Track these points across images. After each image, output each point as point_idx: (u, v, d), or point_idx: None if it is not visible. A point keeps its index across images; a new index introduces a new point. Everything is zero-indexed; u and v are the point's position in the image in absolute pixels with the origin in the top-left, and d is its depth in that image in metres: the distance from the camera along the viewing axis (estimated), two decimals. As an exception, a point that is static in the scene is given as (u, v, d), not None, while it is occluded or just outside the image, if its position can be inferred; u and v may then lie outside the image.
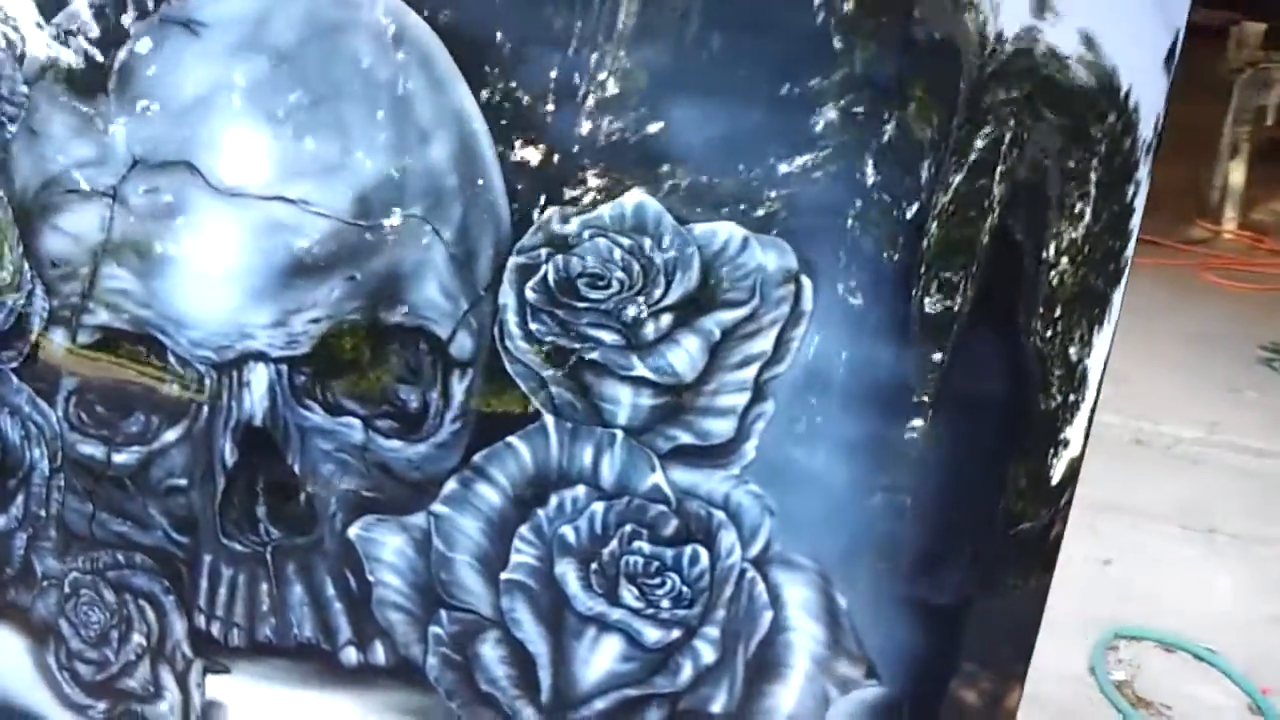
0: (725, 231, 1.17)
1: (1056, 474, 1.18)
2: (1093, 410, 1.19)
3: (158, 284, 1.31)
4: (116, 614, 1.40)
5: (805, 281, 1.16)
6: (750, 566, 1.21)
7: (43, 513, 1.41)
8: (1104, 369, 1.18)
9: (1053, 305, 1.15)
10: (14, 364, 1.39)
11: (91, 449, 1.37)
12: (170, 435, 1.33)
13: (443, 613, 1.28)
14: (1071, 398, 1.17)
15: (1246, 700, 2.53)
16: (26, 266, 1.37)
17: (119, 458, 1.36)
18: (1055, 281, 1.14)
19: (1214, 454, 3.68)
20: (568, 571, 1.24)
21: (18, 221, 1.36)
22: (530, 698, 1.28)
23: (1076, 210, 1.13)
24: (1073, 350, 1.16)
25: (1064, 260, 1.14)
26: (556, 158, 1.18)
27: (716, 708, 1.24)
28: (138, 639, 1.40)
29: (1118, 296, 1.16)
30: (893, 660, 1.21)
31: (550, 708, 1.27)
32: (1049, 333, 1.15)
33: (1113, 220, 1.14)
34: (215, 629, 1.36)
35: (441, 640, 1.28)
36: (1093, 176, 1.13)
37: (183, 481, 1.34)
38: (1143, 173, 1.13)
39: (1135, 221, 1.14)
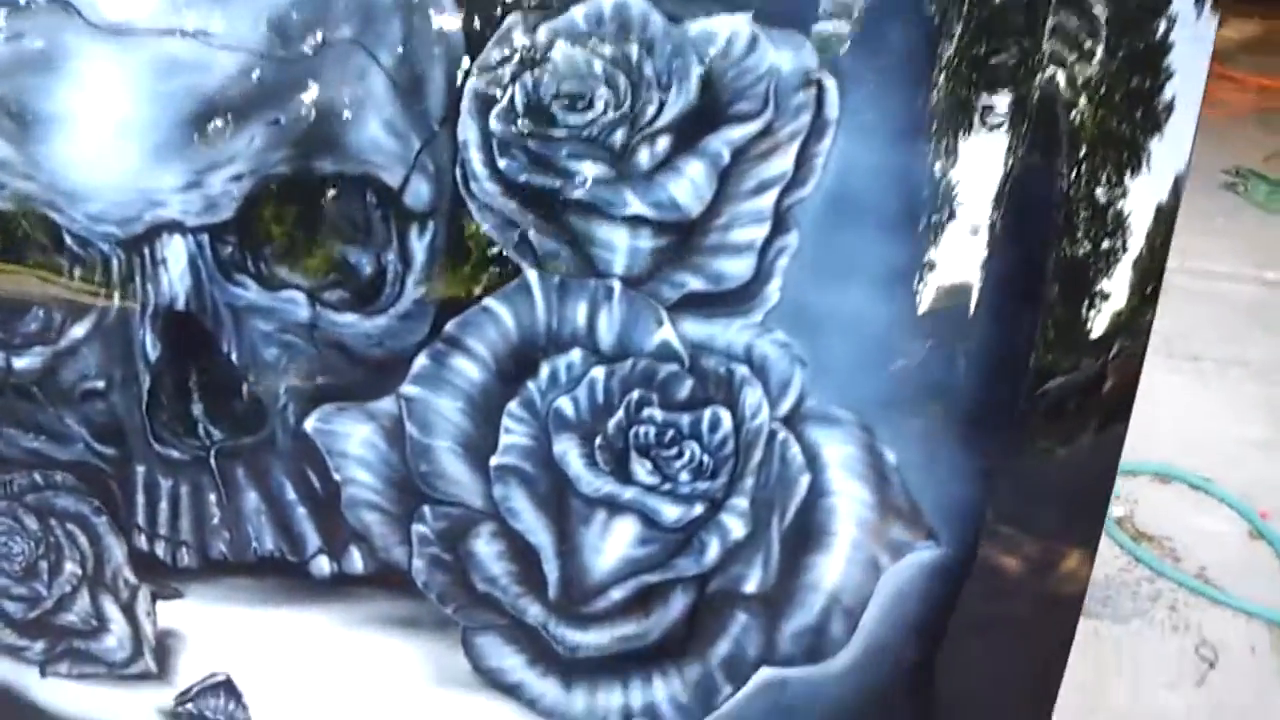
0: (728, 28, 0.97)
1: (1097, 327, 1.03)
2: (1149, 265, 1.02)
3: (40, 150, 1.06)
4: (42, 542, 1.20)
5: (828, 83, 0.97)
6: (781, 426, 1.05)
7: (-60, 437, 1.20)
8: (1165, 226, 1.01)
9: (1076, 144, 0.98)
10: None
11: (-15, 355, 1.15)
12: (78, 331, 1.11)
13: (426, 509, 1.10)
14: (1105, 245, 1.00)
15: (1246, 526, 2.49)
16: None
17: (19, 362, 1.14)
18: (1075, 120, 0.97)
19: (1188, 282, 3.61)
20: (568, 450, 1.07)
21: None
22: (536, 594, 1.12)
23: (1086, 47, 0.95)
24: (1100, 193, 0.99)
25: (1081, 99, 0.96)
26: (515, -53, 0.96)
27: (750, 587, 1.09)
28: (71, 568, 1.21)
29: (1157, 144, 0.98)
30: (950, 519, 1.06)
31: (559, 603, 1.12)
32: (1073, 174, 0.98)
33: (1134, 58, 0.96)
34: (160, 550, 1.17)
35: (427, 540, 1.11)
36: (1098, 11, 0.94)
37: (100, 384, 1.13)
38: (1180, 7, 0.94)
39: (1173, 60, 0.96)
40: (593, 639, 1.13)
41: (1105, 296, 1.04)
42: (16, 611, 1.25)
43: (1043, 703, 1.14)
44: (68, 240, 1.09)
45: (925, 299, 1.01)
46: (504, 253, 1.03)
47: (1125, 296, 1.03)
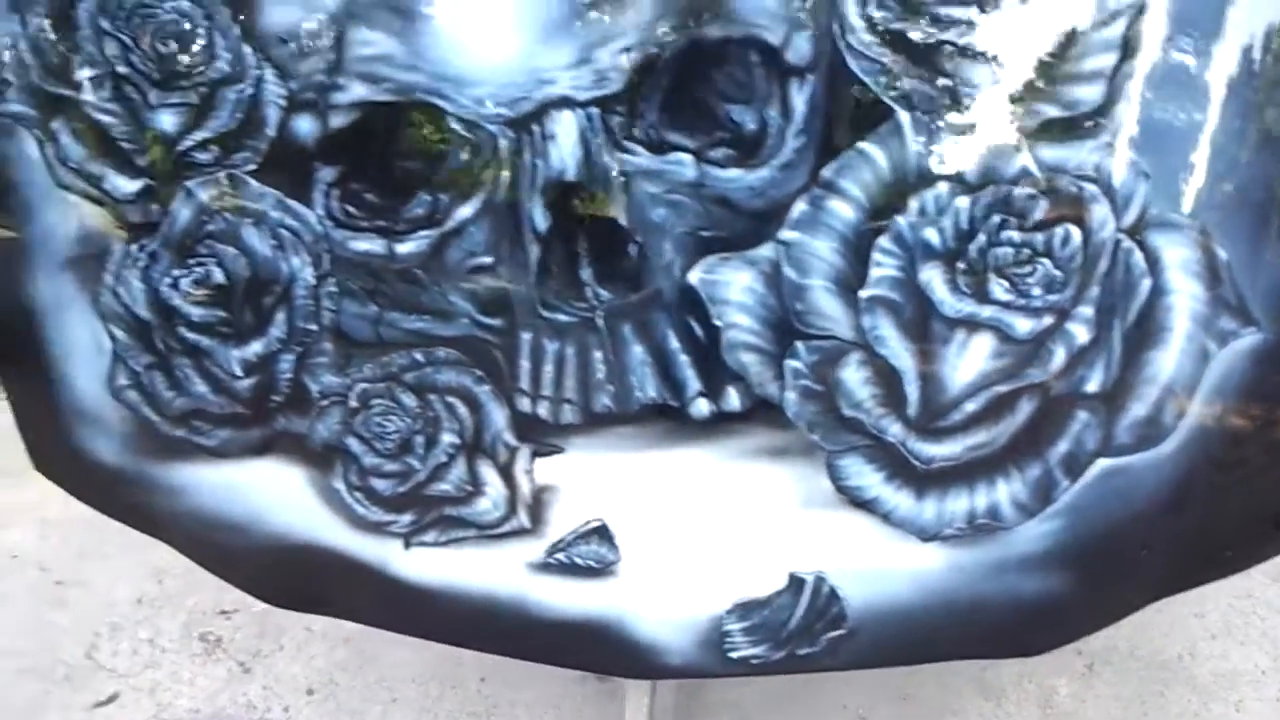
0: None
1: None
2: None
3: (425, 41, 1.15)
4: (420, 418, 1.30)
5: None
6: (1124, 236, 1.17)
7: (313, 327, 1.29)
8: None
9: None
10: (251, 166, 1.23)
11: (368, 244, 1.23)
12: (465, 211, 1.20)
13: (799, 344, 1.22)
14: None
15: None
16: (247, 49, 1.19)
17: (404, 247, 1.23)
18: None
19: None
20: (933, 276, 1.18)
21: (226, -2, 1.17)
22: (897, 413, 1.24)
23: None
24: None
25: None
26: None
27: (1092, 387, 1.23)
28: (448, 439, 1.31)
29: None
30: (1270, 307, 1.20)
31: (919, 419, 1.24)
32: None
33: None
34: (543, 410, 1.28)
35: (800, 373, 1.23)
36: None
37: (487, 259, 1.22)
38: None
39: None
40: (946, 450, 1.26)
41: None
42: (386, 488, 1.36)
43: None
44: (454, 125, 1.18)
45: (1260, 100, 1.13)
46: (877, 98, 1.13)
47: None
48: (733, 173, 1.16)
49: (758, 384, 1.24)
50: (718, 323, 1.21)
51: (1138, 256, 1.18)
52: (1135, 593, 1.36)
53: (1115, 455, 1.26)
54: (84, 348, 1.35)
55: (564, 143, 1.16)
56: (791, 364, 1.23)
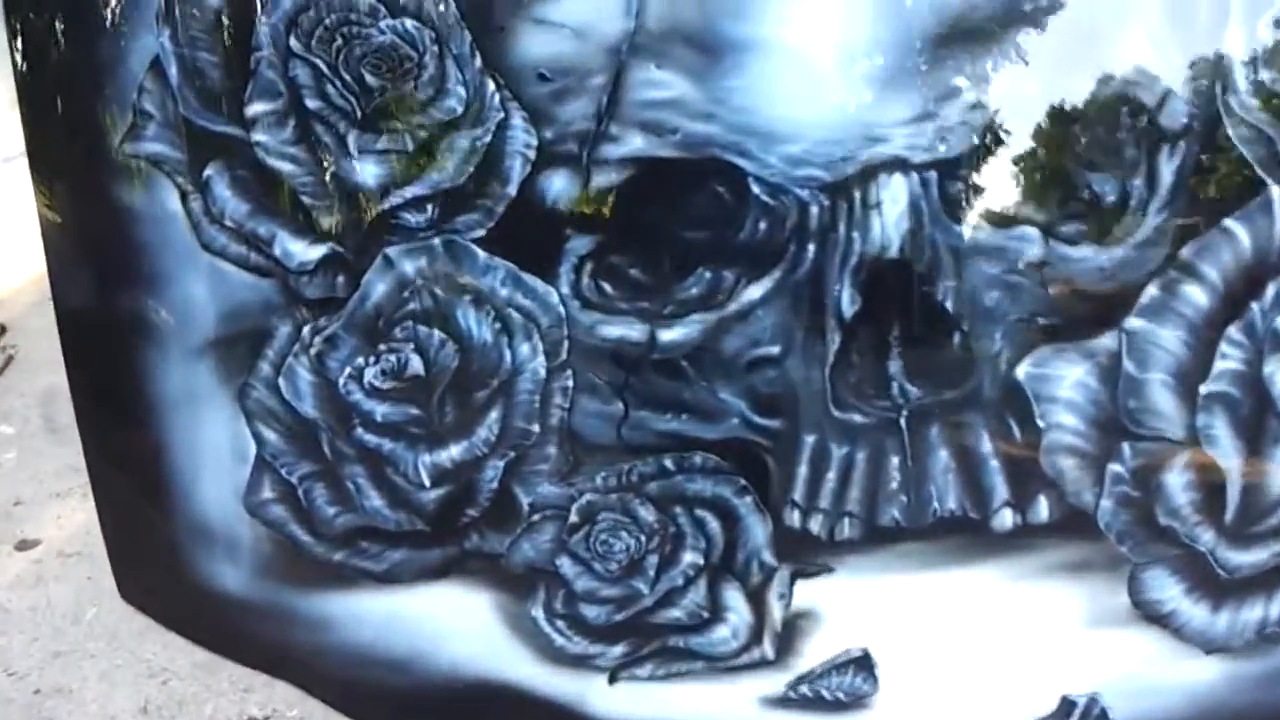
0: None
1: None
2: None
3: (729, 85, 0.93)
4: (658, 535, 1.07)
5: None
6: None
7: (534, 427, 1.04)
8: None
9: None
10: (479, 232, 0.98)
11: (623, 329, 1.00)
12: (754, 291, 0.98)
13: (1125, 446, 1.05)
14: None
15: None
16: (490, 85, 0.94)
17: (670, 334, 1.00)
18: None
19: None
20: (1278, 370, 1.05)
21: (467, 18, 0.92)
22: (1211, 520, 1.10)
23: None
24: None
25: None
26: None
27: None
28: (690, 558, 1.09)
29: None
30: None
31: (1233, 527, 1.10)
32: None
33: None
34: (816, 524, 1.07)
35: (1121, 478, 1.06)
36: None
37: (774, 349, 1.01)
38: None
39: None
40: (1253, 558, 1.12)
41: None
42: (599, 615, 1.12)
43: None
44: (754, 189, 0.96)
45: None
46: (1245, 170, 0.98)
47: None
48: (1083, 250, 0.99)
49: (1073, 491, 1.07)
50: (1041, 423, 1.04)
51: None
52: None
53: None
54: (218, 453, 1.06)
55: (890, 212, 0.96)
56: (1114, 468, 1.06)
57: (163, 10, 0.93)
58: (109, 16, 0.94)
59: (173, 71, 0.94)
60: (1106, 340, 1.02)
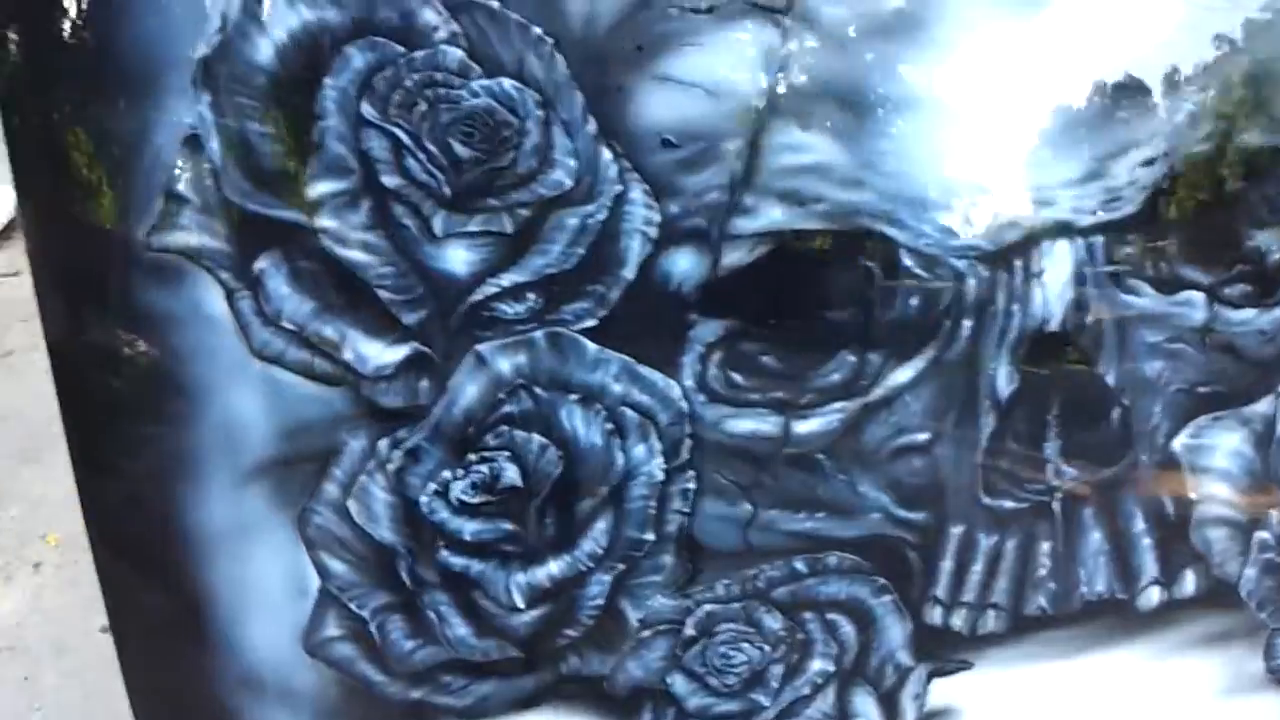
0: None
1: None
2: None
3: (882, 148, 0.80)
4: (785, 643, 0.95)
5: None
6: None
7: (649, 536, 0.90)
8: None
9: None
10: (590, 322, 0.83)
11: (755, 423, 0.87)
12: (903, 375, 0.87)
13: (1273, 513, 0.98)
14: None
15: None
16: (606, 155, 0.79)
17: (806, 426, 0.87)
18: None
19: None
20: None
21: (581, 75, 0.77)
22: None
23: None
24: None
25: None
26: None
27: None
28: (819, 666, 0.97)
29: None
30: None
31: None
32: None
33: None
34: (958, 620, 0.96)
35: (1267, 545, 0.99)
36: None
37: (922, 436, 0.89)
38: None
39: None
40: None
41: None
42: (706, 732, 1.00)
43: None
44: (906, 261, 0.84)
45: None
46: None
47: None
48: (1246, 313, 0.91)
49: (1219, 563, 1.00)
50: (1192, 495, 0.96)
51: None
52: None
53: None
54: (270, 590, 0.89)
55: (1053, 282, 0.86)
56: (1261, 535, 0.99)
57: (200, 73, 0.76)
58: (125, 82, 0.76)
59: (214, 146, 0.77)
60: (1262, 406, 0.95)
